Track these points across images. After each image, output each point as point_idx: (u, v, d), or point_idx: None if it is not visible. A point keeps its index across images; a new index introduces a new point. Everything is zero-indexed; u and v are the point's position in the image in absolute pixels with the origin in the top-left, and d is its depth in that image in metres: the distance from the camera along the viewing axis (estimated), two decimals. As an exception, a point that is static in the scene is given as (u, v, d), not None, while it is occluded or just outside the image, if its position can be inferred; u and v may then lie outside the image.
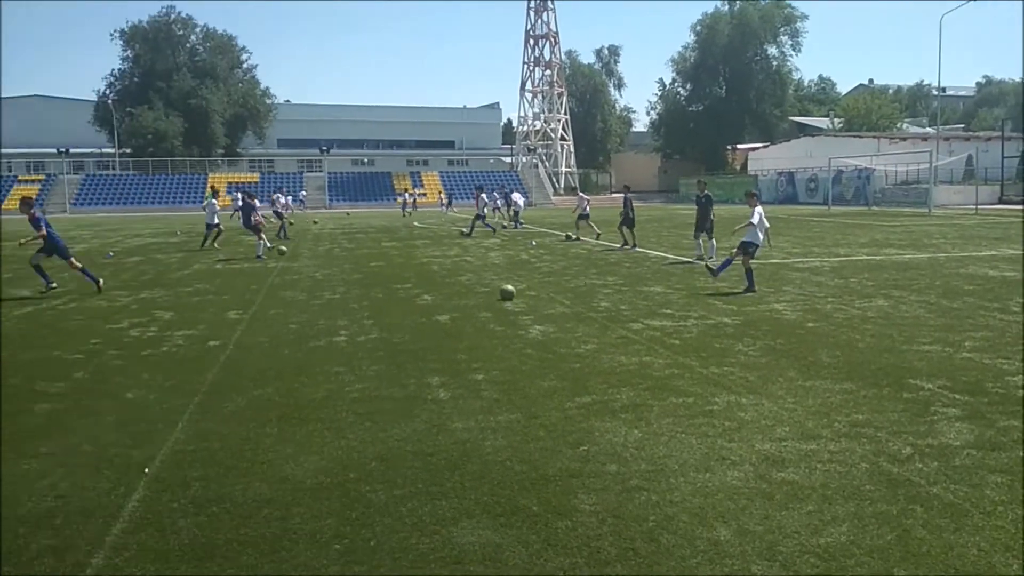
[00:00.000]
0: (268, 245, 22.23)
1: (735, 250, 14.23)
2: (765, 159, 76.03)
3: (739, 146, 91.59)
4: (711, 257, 18.67)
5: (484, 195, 33.98)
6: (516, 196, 36.59)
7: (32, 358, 9.12)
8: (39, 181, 72.10)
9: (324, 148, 76.41)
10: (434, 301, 13.20)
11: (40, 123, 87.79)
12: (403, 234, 32.04)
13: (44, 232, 14.39)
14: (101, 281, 15.14)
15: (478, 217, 31.24)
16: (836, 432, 6.09)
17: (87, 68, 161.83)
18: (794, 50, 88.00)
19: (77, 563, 4.14)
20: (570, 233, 27.67)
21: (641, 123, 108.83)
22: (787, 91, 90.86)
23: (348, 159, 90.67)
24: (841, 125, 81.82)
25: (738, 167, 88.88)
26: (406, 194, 52.78)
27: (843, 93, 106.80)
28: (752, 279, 13.63)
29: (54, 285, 14.76)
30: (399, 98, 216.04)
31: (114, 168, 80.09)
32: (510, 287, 13.59)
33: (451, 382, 7.74)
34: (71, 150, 73.95)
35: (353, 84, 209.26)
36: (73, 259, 14.99)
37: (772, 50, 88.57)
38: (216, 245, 25.02)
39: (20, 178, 73.50)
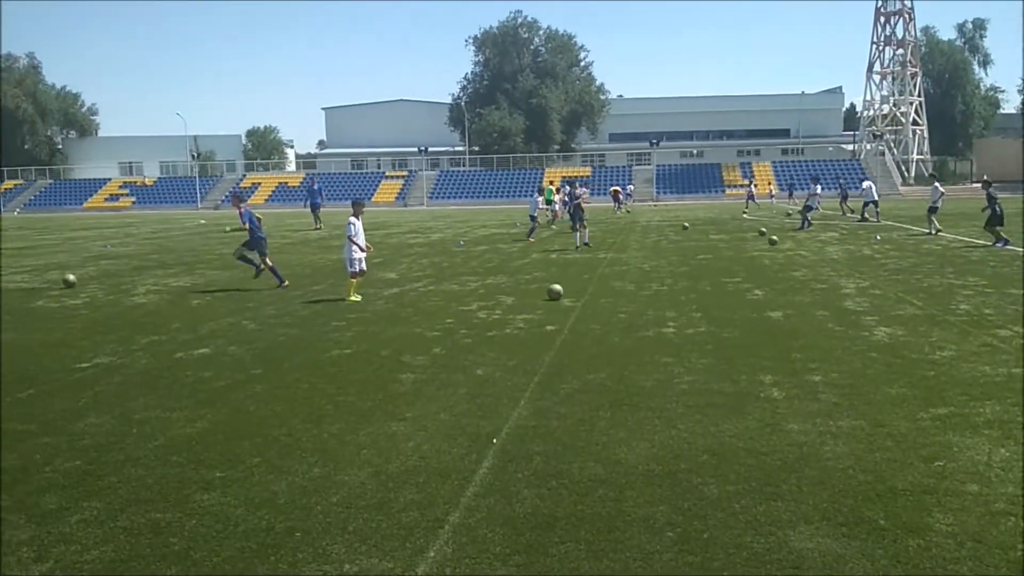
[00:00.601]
0: (586, 241, 22.73)
1: None
2: None
3: None
4: None
5: (818, 187, 32.17)
6: (867, 185, 32.77)
7: (399, 333, 10.33)
8: (402, 177, 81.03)
9: (653, 141, 76.98)
10: (765, 296, 12.77)
11: (404, 125, 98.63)
12: (731, 227, 31.32)
13: (246, 226, 15.04)
14: (287, 283, 15.20)
15: (807, 209, 29.78)
16: None
17: (445, 73, 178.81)
18: None
19: (436, 519, 4.63)
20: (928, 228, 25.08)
21: (1011, 104, 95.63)
22: None
23: (676, 151, 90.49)
24: None
25: None
26: (751, 186, 50.48)
27: None
28: None
29: (261, 269, 15.20)
30: (731, 87, 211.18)
31: (464, 165, 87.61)
32: (557, 287, 13.19)
33: (785, 381, 7.46)
34: (429, 149, 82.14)
35: (685, 76, 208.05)
36: (268, 257, 15.48)
37: None
38: (531, 238, 26.14)
39: (387, 174, 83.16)
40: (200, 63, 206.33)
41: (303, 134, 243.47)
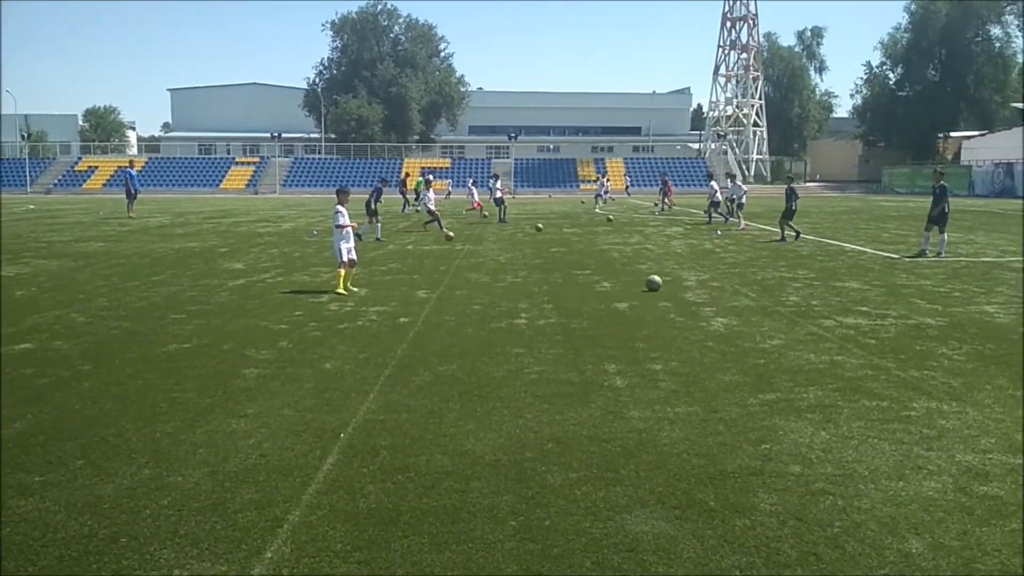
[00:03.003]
0: (371, 235, 22.54)
1: None
2: (981, 148, 69.71)
3: (952, 134, 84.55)
4: (940, 253, 17.50)
5: (714, 183, 30.97)
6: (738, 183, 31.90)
7: (243, 326, 9.95)
8: (254, 164, 78.19)
9: (512, 135, 77.80)
10: (613, 288, 13.16)
11: (256, 109, 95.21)
12: (584, 220, 32.14)
13: None
14: None
15: (731, 201, 29.68)
16: (1053, 449, 5.53)
17: (300, 57, 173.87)
18: (1021, 31, 79.71)
19: (275, 518, 4.48)
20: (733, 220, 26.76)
21: (843, 109, 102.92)
22: (1011, 75, 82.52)
23: (534, 145, 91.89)
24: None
25: (950, 156, 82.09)
26: (605, 180, 49.41)
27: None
28: None
29: None
30: (588, 85, 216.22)
31: (320, 152, 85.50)
32: (656, 278, 13.30)
33: (628, 370, 7.71)
34: (283, 135, 79.57)
35: (544, 71, 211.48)
36: None
37: (996, 31, 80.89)
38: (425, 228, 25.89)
39: (237, 160, 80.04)
40: (34, 35, 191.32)
41: (147, 116, 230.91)
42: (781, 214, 22.02)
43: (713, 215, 29.46)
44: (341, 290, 12.51)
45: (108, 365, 7.92)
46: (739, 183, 29.25)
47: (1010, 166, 60.13)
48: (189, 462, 5.30)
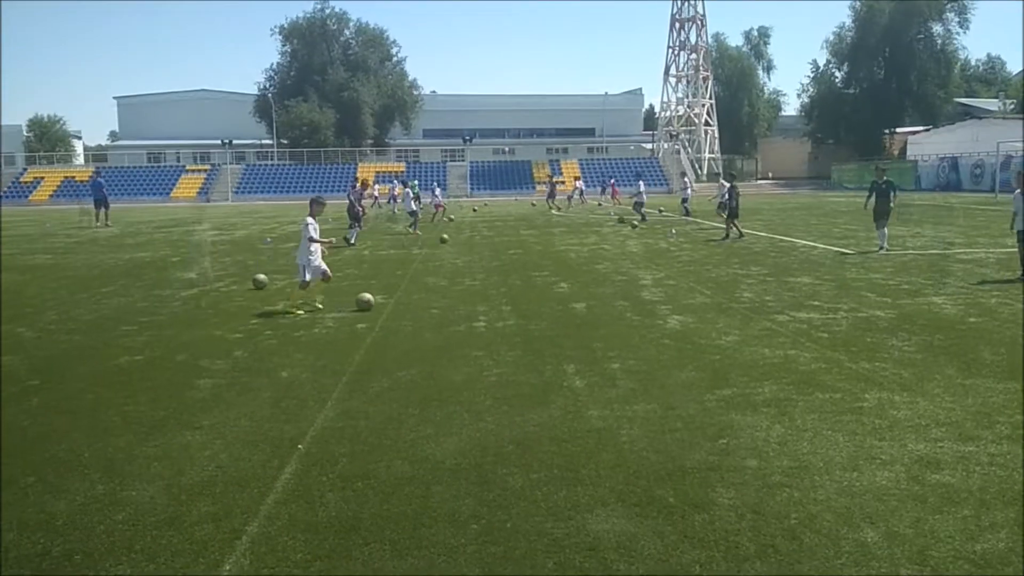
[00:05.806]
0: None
1: None
2: (926, 144, 71.36)
3: (898, 130, 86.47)
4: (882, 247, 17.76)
5: (641, 183, 31.59)
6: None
7: (197, 336, 9.79)
8: (204, 171, 76.99)
9: (467, 138, 77.67)
10: (571, 289, 13.21)
11: (206, 116, 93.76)
12: (541, 222, 32.22)
13: None
14: None
15: (639, 205, 30.40)
16: (997, 434, 5.69)
17: (250, 63, 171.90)
18: (961, 28, 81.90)
19: (233, 530, 4.42)
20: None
21: (791, 107, 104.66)
22: (952, 72, 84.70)
23: (489, 148, 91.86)
24: (1013, 107, 75.63)
25: (896, 152, 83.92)
26: (577, 183, 49.52)
27: (1014, 73, 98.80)
28: None
29: None
30: (541, 87, 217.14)
31: (272, 159, 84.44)
32: (367, 296, 11.75)
33: (587, 370, 7.74)
34: (234, 141, 78.41)
35: (497, 74, 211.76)
36: None
37: (937, 28, 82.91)
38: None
39: (188, 168, 78.72)
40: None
41: (93, 125, 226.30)
42: (727, 214, 22.18)
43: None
44: (299, 310, 11.30)
45: (58, 380, 7.74)
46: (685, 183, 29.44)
47: (955, 160, 61.65)
48: (143, 476, 5.20)
